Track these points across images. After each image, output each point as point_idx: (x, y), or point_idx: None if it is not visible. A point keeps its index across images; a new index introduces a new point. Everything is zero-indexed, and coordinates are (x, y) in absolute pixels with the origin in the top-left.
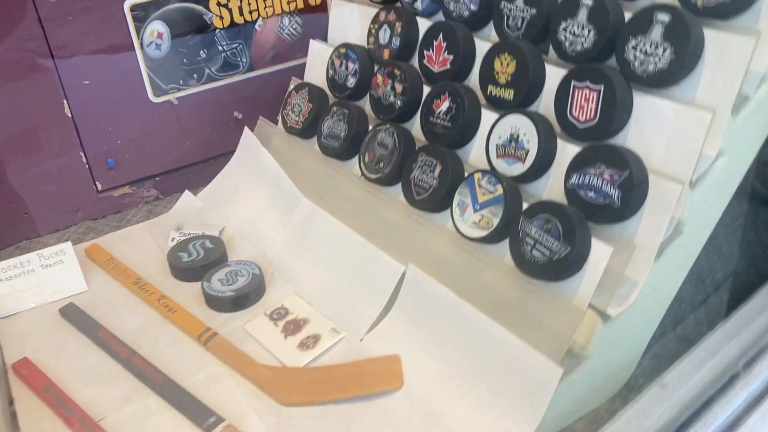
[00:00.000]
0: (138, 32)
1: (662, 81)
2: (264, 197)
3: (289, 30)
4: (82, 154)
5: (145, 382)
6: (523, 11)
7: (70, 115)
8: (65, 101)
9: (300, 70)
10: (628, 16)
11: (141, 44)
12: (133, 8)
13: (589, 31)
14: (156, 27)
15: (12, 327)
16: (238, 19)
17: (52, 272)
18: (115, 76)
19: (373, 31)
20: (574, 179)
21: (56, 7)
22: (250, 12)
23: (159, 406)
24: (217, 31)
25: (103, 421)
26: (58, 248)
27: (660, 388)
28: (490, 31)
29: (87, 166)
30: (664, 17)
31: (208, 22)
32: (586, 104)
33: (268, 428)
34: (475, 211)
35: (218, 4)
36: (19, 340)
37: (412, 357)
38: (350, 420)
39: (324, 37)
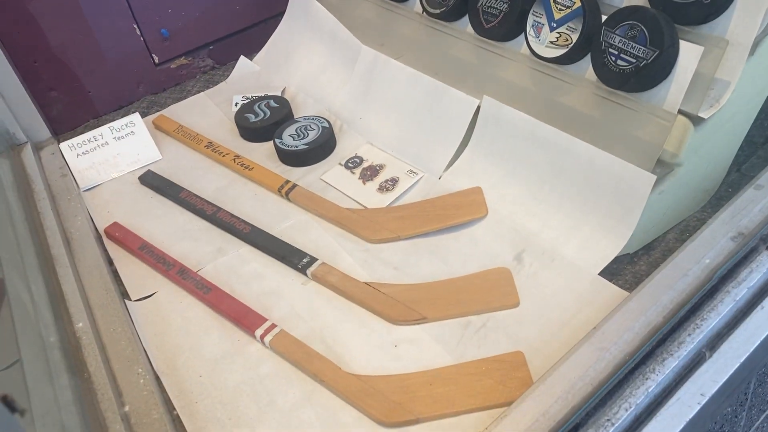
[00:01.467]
0: None
1: None
2: (322, 52)
3: None
4: (135, 27)
5: (235, 234)
6: None
7: None
8: None
9: None
10: None
11: None
12: None
13: None
14: None
15: (97, 197)
16: None
17: (126, 143)
18: None
19: None
20: None
21: None
22: None
23: (252, 253)
24: None
25: (201, 271)
26: (128, 120)
27: (755, 189)
28: None
29: (142, 38)
30: None
31: None
32: None
33: (360, 264)
34: (552, 29)
35: None
36: (106, 208)
37: (495, 187)
38: (440, 249)
39: None
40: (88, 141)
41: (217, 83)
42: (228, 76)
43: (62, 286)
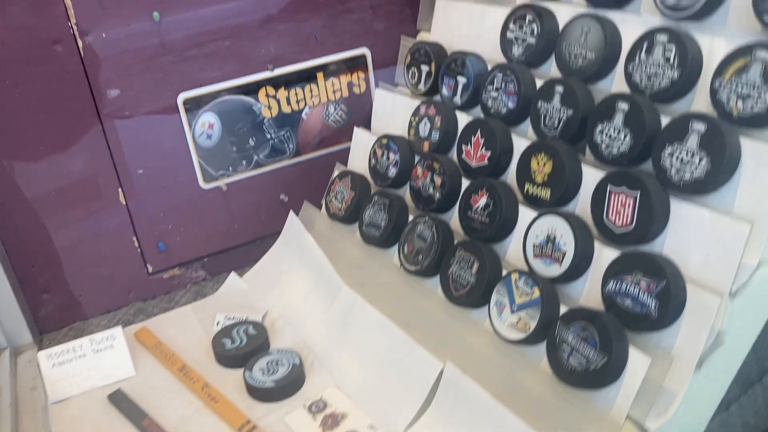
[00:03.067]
0: (190, 123)
1: (699, 189)
2: (306, 282)
3: (334, 117)
4: (134, 239)
5: None
6: (560, 111)
7: (124, 203)
8: (120, 189)
9: (344, 155)
10: (664, 119)
11: (193, 135)
12: (185, 102)
13: (625, 135)
14: (207, 118)
15: (63, 412)
16: (286, 109)
17: (103, 357)
18: (168, 165)
19: (413, 123)
20: (610, 285)
21: (115, 102)
22: (297, 102)
23: None
24: (266, 120)
25: None
26: (109, 333)
27: None
28: (528, 126)
29: (139, 250)
30: (699, 126)
31: (257, 112)
32: (622, 209)
33: None
34: (513, 312)
35: (267, 95)
36: (71, 425)
37: None
38: None
39: (368, 123)
40: (66, 351)
41: (205, 295)
42: (217, 289)
43: None
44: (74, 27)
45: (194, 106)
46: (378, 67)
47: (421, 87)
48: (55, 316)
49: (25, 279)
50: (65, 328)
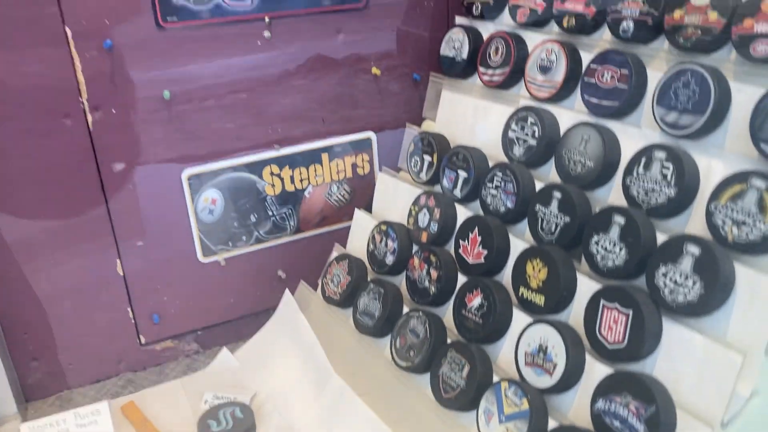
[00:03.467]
0: (193, 198)
1: (692, 313)
2: (297, 366)
3: (336, 196)
4: (129, 310)
5: None
6: (557, 217)
7: (122, 274)
8: (119, 261)
9: (344, 233)
10: (660, 236)
11: (195, 210)
12: (190, 177)
13: (620, 249)
14: (210, 194)
15: None
16: (289, 187)
17: None
18: (168, 239)
19: (413, 212)
20: (600, 404)
21: (119, 175)
22: (301, 180)
23: None
24: (269, 197)
25: None
26: (95, 408)
27: None
28: (525, 228)
29: (133, 321)
30: (694, 249)
31: (261, 189)
32: (614, 326)
33: None
34: (501, 422)
35: (271, 173)
36: None
37: None
38: None
39: (369, 204)
40: (49, 425)
41: (196, 369)
42: (209, 363)
43: None
44: (85, 102)
45: (198, 182)
46: (383, 151)
47: (423, 176)
48: (42, 384)
49: (15, 346)
50: (52, 396)
